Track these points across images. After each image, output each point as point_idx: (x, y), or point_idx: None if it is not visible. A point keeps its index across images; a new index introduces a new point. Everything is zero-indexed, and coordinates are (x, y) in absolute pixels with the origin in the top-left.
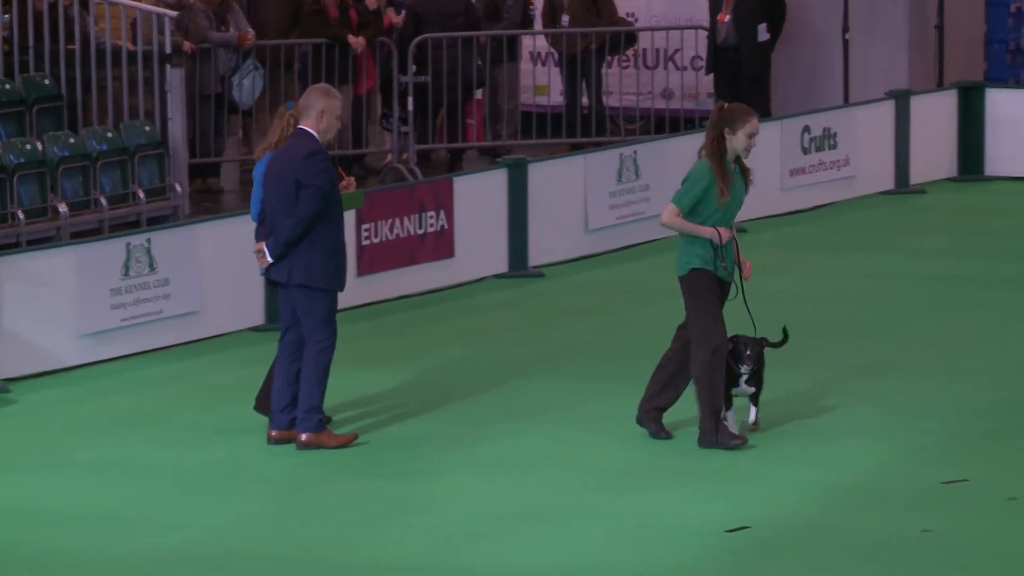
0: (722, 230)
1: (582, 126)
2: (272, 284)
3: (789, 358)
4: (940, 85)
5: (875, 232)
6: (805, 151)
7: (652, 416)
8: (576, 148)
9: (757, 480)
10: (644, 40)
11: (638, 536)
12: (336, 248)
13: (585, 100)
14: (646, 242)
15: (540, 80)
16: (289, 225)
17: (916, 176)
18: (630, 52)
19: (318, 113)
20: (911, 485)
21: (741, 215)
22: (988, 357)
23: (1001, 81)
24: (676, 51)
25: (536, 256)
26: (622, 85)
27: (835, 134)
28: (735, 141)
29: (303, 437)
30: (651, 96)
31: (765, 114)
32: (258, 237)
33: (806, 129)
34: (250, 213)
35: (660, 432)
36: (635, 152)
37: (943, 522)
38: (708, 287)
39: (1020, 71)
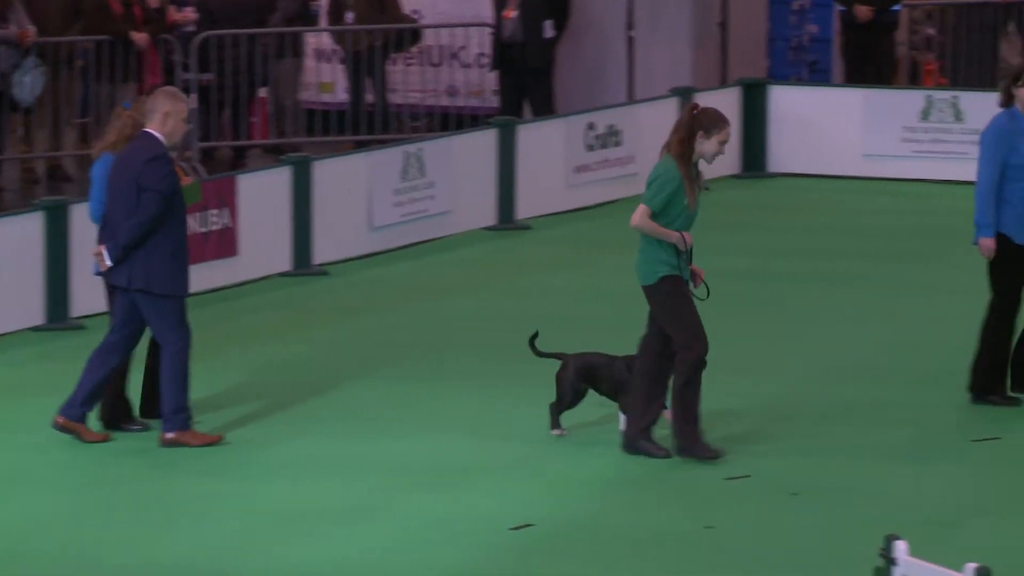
0: (686, 235)
1: (367, 123)
2: (112, 288)
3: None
4: (724, 82)
5: None
6: (590, 148)
7: (644, 436)
8: (361, 146)
9: (546, 477)
10: (429, 37)
11: (428, 535)
12: (177, 252)
13: (370, 97)
14: (431, 240)
15: (324, 77)
16: (128, 228)
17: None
18: (415, 49)
19: (162, 116)
20: (695, 481)
21: (528, 212)
22: (763, 353)
23: (784, 78)
24: (461, 48)
25: (320, 254)
26: (407, 82)
27: (619, 132)
28: (707, 146)
29: (168, 435)
30: (436, 93)
31: (549, 111)
32: (100, 240)
33: (590, 126)
34: (89, 213)
35: (658, 451)
36: (420, 150)
37: (726, 517)
38: (682, 292)
39: (802, 68)
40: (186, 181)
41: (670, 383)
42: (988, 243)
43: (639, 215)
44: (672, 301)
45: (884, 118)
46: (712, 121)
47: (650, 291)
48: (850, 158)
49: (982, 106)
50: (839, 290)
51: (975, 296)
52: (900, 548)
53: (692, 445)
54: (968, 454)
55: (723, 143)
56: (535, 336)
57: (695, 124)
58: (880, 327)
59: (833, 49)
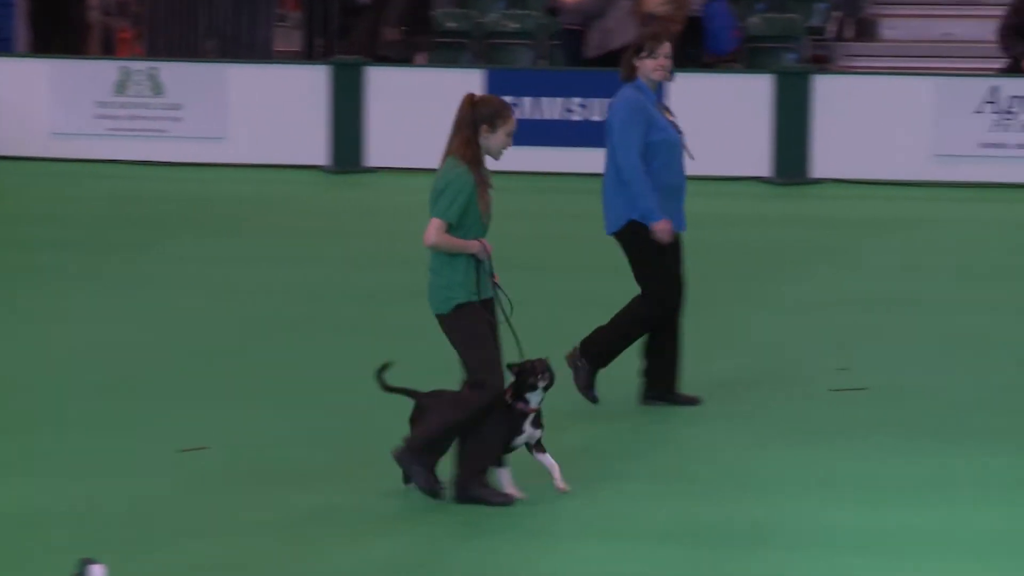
0: (485, 242)
1: None
2: None
3: None
4: None
5: None
6: None
7: (481, 482)
8: None
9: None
10: None
11: None
12: None
13: None
14: None
15: None
16: None
17: None
18: None
19: None
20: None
21: None
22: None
23: None
24: None
25: None
26: None
27: None
28: (494, 141)
29: None
30: None
31: None
32: None
33: None
34: None
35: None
36: None
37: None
38: (478, 322)
39: None
40: None
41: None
42: (664, 225)
43: (434, 232)
44: (469, 332)
45: (74, 92)
46: (495, 111)
47: (445, 321)
48: (38, 138)
49: (183, 78)
50: (32, 287)
51: (187, 290)
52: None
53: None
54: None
55: (510, 134)
56: (385, 368)
57: (477, 119)
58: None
59: (17, 15)
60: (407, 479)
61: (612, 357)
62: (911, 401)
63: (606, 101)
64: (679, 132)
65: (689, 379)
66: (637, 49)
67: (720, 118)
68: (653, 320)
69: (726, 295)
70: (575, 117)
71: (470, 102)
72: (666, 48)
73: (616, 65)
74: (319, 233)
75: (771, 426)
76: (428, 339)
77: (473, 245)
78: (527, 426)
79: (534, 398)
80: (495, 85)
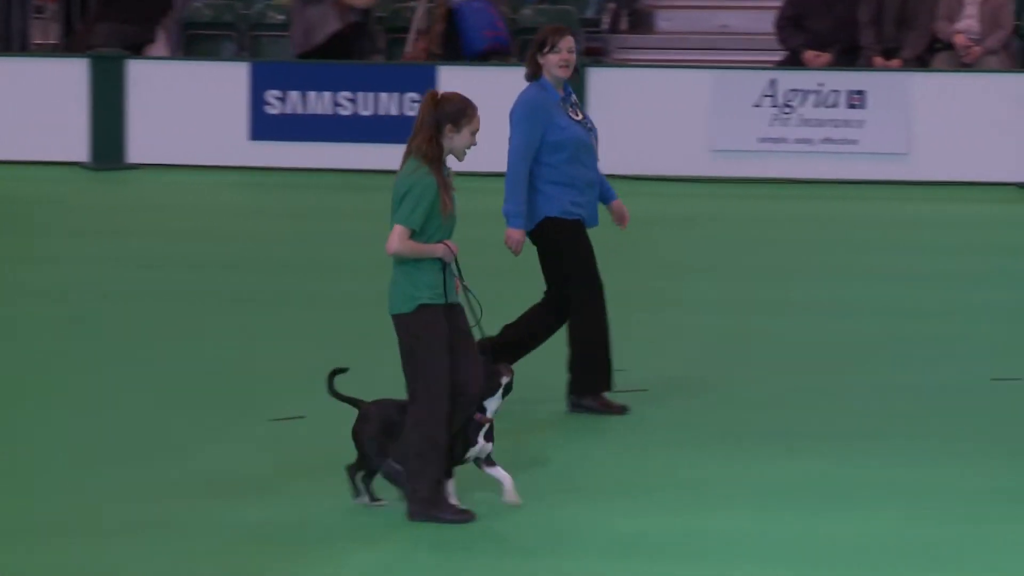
0: (450, 243)
1: None
2: None
3: None
4: None
5: None
6: None
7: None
8: None
9: None
10: None
11: None
12: None
13: None
14: None
15: None
16: None
17: None
18: None
19: None
20: None
21: None
22: None
23: None
24: None
25: None
26: None
27: None
28: (458, 140)
29: None
30: None
31: None
32: None
33: None
34: None
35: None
36: None
37: None
38: (438, 328)
39: None
40: None
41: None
42: (517, 235)
43: (397, 239)
44: (426, 338)
45: None
46: (459, 109)
47: (404, 320)
48: None
49: None
50: None
51: None
52: None
53: (430, 504)
54: None
55: (475, 133)
56: (337, 372)
57: (442, 118)
58: None
59: None
60: (357, 493)
61: (595, 363)
62: (687, 401)
63: (373, 95)
64: (590, 129)
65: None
66: (540, 45)
67: (484, 113)
68: (588, 308)
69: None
70: (344, 112)
71: (433, 100)
72: (569, 42)
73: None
74: (83, 232)
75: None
76: (209, 339)
77: (438, 248)
78: (480, 438)
79: (491, 405)
80: (260, 78)
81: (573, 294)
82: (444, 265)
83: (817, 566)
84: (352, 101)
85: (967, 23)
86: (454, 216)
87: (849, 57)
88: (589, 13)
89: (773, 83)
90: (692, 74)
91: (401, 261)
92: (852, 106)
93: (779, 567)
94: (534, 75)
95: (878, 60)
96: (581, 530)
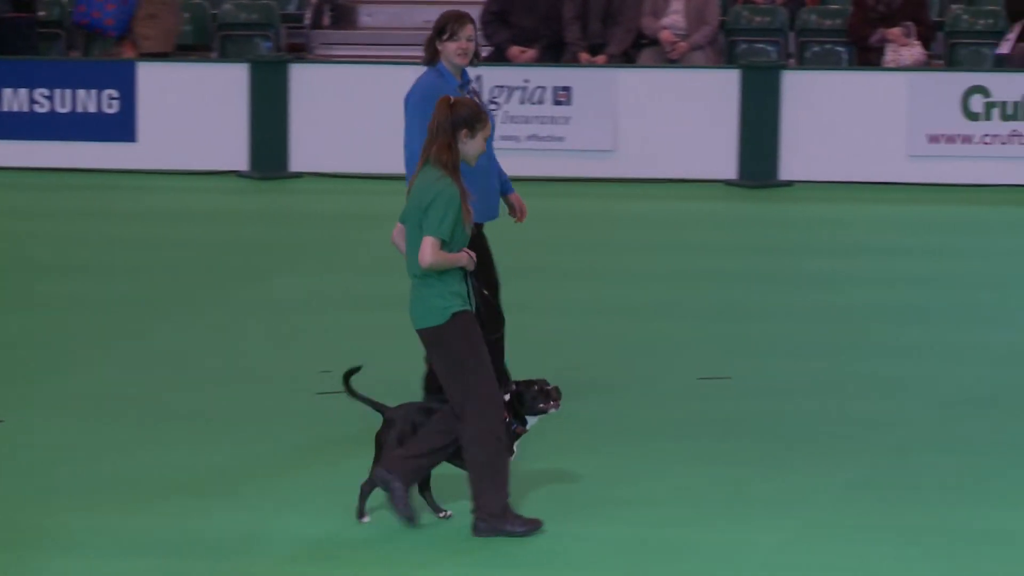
0: (469, 252)
1: None
2: None
3: None
4: None
5: None
6: None
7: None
8: None
9: None
10: None
11: None
12: None
13: None
14: None
15: None
16: None
17: None
18: None
19: None
20: None
21: None
22: None
23: None
24: None
25: None
26: None
27: None
28: (471, 146)
29: None
30: None
31: None
32: None
33: None
34: None
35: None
36: None
37: None
38: (477, 331)
39: None
40: None
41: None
42: None
43: (431, 251)
44: (464, 348)
45: None
46: (474, 114)
47: (439, 333)
48: None
49: None
50: None
51: None
52: None
53: (499, 518)
54: None
55: (486, 139)
56: (354, 371)
57: (458, 123)
58: None
59: None
60: (362, 513)
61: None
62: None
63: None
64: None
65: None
66: (439, 31)
67: (194, 110)
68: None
69: (208, 296)
70: (41, 109)
71: (448, 104)
72: (469, 30)
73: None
74: None
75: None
76: None
77: (462, 257)
78: (515, 447)
79: (532, 420)
80: None
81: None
82: (466, 273)
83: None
84: (48, 98)
85: (673, 19)
86: (471, 224)
87: (555, 53)
88: (291, 8)
89: (478, 79)
90: (396, 70)
91: (425, 274)
92: (558, 103)
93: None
94: (431, 61)
95: (584, 56)
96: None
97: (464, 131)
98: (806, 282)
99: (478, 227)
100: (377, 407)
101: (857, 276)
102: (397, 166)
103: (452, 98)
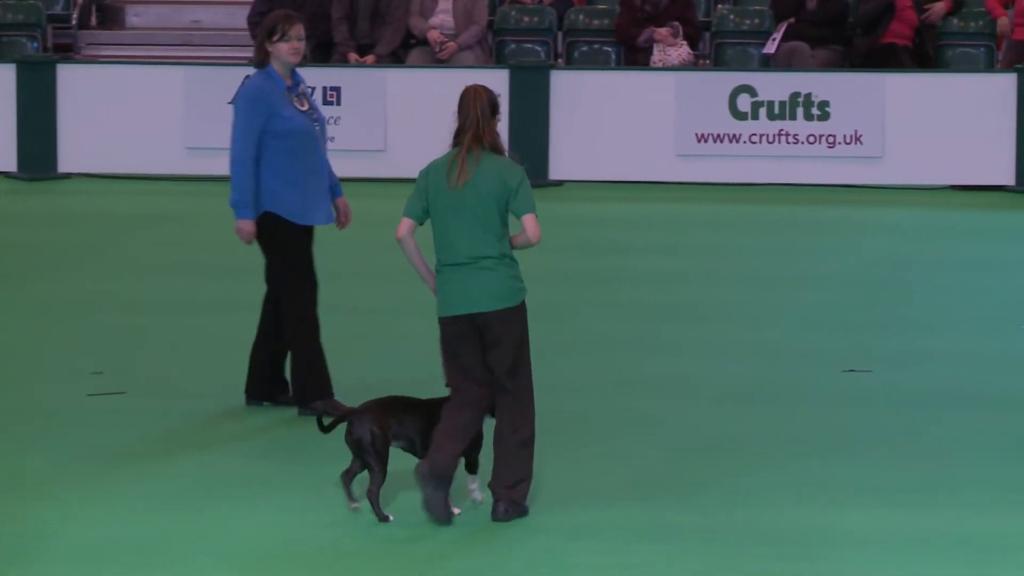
0: None
1: None
2: None
3: None
4: None
5: None
6: None
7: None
8: None
9: None
10: None
11: None
12: None
13: None
14: None
15: None
16: None
17: None
18: None
19: None
20: None
21: None
22: None
23: None
24: None
25: None
26: None
27: None
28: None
29: None
30: None
31: None
32: None
33: None
34: None
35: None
36: None
37: None
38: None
39: None
40: None
41: None
42: (247, 226)
43: (537, 227)
44: (526, 332)
45: None
46: (496, 98)
47: (514, 314)
48: None
49: None
50: None
51: None
52: None
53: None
54: None
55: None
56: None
57: (492, 106)
58: None
59: None
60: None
61: (313, 372)
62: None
63: None
64: (316, 120)
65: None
66: (269, 32)
67: None
68: (304, 312)
69: None
70: None
71: (481, 89)
72: (299, 30)
73: None
74: None
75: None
76: None
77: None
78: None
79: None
80: None
81: (288, 297)
82: None
83: None
84: None
85: (441, 19)
86: None
87: (324, 54)
88: (57, 8)
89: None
90: (165, 71)
91: (504, 255)
92: (328, 103)
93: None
94: (262, 63)
95: (352, 57)
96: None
97: (496, 116)
98: (574, 281)
99: (310, 230)
100: (344, 416)
101: (626, 275)
102: (166, 166)
103: (477, 85)
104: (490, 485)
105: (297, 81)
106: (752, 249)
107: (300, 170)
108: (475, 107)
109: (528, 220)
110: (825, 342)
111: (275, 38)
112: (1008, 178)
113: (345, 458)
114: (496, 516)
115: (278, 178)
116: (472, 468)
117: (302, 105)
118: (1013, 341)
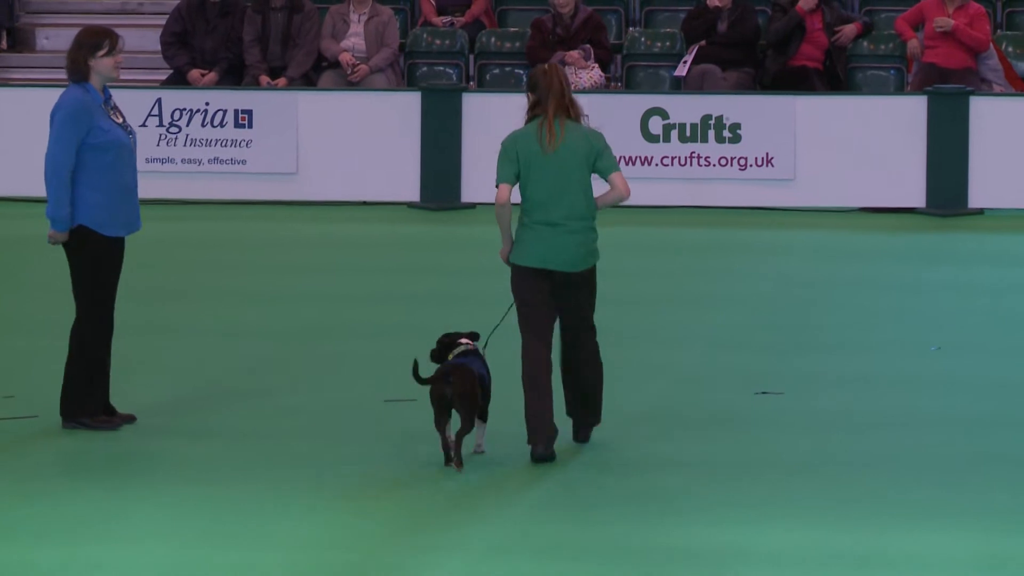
0: None
1: None
2: None
3: None
4: None
5: None
6: None
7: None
8: None
9: None
10: None
11: None
12: None
13: None
14: None
15: None
16: None
17: None
18: None
19: None
20: None
21: None
22: None
23: None
24: None
25: None
26: None
27: None
28: None
29: None
30: None
31: None
32: None
33: None
34: None
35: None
36: None
37: None
38: None
39: None
40: None
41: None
42: (63, 238)
43: (625, 181)
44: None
45: None
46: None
47: (594, 271)
48: None
49: None
50: None
51: None
52: None
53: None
54: None
55: None
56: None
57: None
58: None
59: None
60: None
61: (91, 387)
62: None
63: None
64: (130, 133)
65: None
66: (94, 47)
67: None
68: (94, 337)
69: None
70: None
71: (556, 65)
72: (121, 44)
73: None
74: None
75: None
76: None
77: None
78: None
79: None
80: None
81: (84, 310)
82: None
83: None
84: None
85: (353, 41)
86: None
87: (235, 76)
88: None
89: (159, 102)
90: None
91: (592, 217)
92: (239, 126)
93: None
94: (82, 77)
95: (264, 79)
96: None
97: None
98: (482, 303)
99: (121, 243)
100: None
101: None
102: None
103: (550, 63)
104: (571, 412)
105: (108, 95)
106: (664, 271)
107: (117, 183)
108: (556, 79)
109: (616, 177)
110: (738, 364)
111: (101, 53)
112: (919, 200)
113: None
114: (580, 438)
115: (94, 191)
116: (484, 417)
117: (117, 118)
118: (925, 362)
